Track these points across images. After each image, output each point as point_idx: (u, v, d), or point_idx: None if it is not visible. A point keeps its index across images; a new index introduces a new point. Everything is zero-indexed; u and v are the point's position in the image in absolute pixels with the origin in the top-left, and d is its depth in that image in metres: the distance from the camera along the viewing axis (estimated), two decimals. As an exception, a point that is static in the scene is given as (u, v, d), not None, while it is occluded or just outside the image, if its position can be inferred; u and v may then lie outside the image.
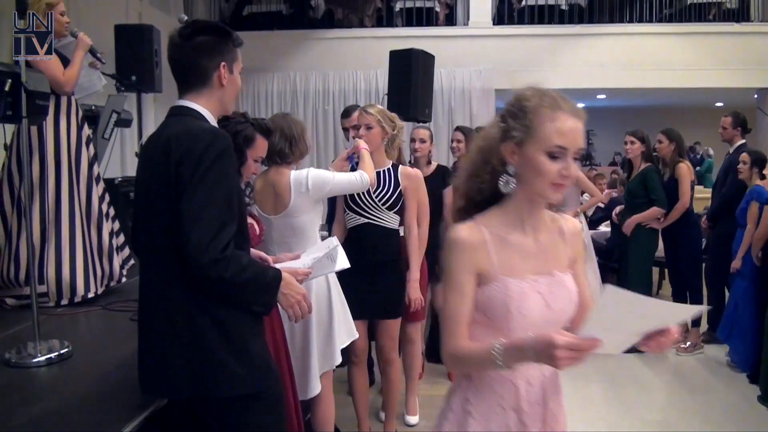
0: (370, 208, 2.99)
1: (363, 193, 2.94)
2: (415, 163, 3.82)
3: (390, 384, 3.20)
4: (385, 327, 3.07)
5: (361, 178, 2.73)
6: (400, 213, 3.06)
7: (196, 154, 1.55)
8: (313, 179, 2.58)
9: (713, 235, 4.76)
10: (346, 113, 3.84)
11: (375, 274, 2.99)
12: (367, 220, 2.99)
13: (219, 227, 1.52)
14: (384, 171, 3.04)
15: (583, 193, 5.44)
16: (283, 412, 1.87)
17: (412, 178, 3.07)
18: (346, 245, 2.76)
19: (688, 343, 4.69)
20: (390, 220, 3.03)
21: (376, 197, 2.98)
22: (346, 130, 3.81)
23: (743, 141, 4.85)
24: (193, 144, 1.56)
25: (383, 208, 2.99)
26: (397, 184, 3.03)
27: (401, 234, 3.12)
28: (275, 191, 2.61)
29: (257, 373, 1.66)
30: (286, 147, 2.62)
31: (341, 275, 2.62)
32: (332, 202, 3.31)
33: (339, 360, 2.77)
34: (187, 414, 1.68)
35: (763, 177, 4.38)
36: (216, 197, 1.54)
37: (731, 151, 4.88)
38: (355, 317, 2.81)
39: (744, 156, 4.43)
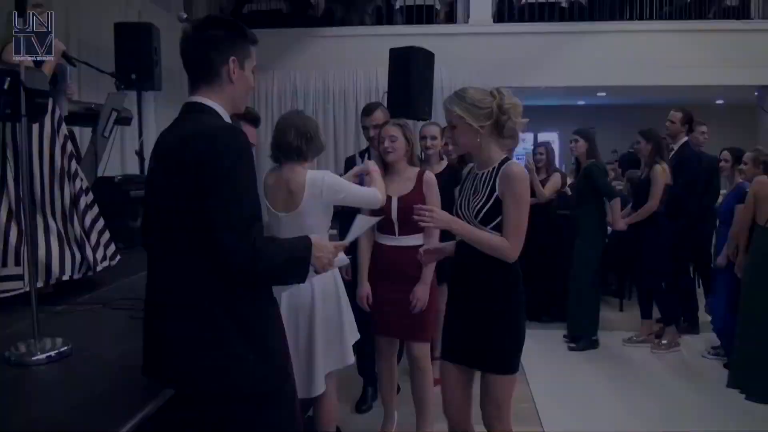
0: (463, 220, 2.29)
1: (460, 200, 2.35)
2: (425, 161, 3.74)
3: None
4: (492, 387, 2.27)
5: (375, 196, 2.68)
6: (498, 229, 2.23)
7: (216, 153, 1.53)
8: (329, 183, 2.55)
9: (670, 231, 4.66)
10: (368, 111, 3.51)
11: (474, 316, 2.25)
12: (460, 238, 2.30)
13: (248, 225, 1.54)
14: (486, 173, 2.28)
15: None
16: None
17: (512, 180, 2.21)
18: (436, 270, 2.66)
19: (664, 341, 4.69)
20: None
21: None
22: (366, 128, 3.51)
23: (686, 139, 4.84)
24: (211, 144, 1.55)
25: (475, 221, 2.25)
26: (492, 189, 2.23)
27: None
28: (289, 189, 2.58)
29: (276, 370, 1.67)
30: (303, 144, 2.60)
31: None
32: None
33: (352, 359, 2.75)
34: (193, 411, 1.65)
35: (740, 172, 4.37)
36: (242, 195, 1.55)
37: (675, 148, 4.84)
38: (447, 358, 2.39)
39: (725, 154, 4.46)
